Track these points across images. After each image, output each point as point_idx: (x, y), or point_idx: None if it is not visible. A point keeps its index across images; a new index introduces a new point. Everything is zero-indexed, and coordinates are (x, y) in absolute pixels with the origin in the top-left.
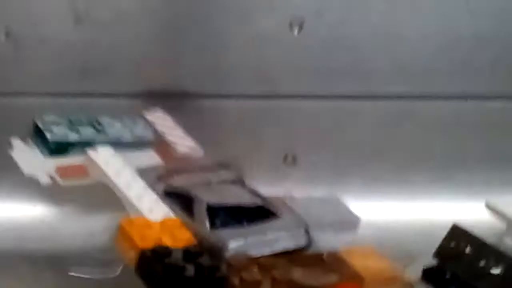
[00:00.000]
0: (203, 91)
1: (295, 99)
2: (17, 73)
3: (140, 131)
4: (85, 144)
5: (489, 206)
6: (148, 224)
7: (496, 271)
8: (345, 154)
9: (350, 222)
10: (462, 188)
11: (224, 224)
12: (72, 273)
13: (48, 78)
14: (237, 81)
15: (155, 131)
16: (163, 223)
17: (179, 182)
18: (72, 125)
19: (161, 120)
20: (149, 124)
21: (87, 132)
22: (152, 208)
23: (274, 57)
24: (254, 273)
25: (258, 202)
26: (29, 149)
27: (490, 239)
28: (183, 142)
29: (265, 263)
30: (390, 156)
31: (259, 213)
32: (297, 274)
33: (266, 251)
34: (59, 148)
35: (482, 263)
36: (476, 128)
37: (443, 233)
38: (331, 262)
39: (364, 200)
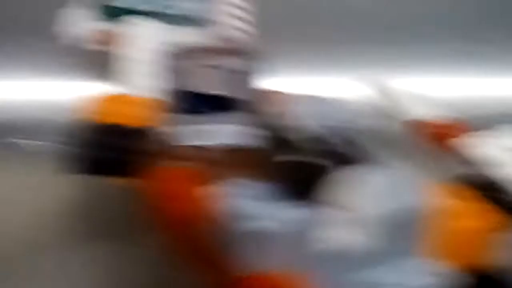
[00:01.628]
0: None
1: None
2: None
3: (207, 7)
4: (142, 13)
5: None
6: (118, 99)
7: (292, 158)
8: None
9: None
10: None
11: (187, 111)
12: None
13: None
14: None
15: (219, 10)
16: (135, 101)
17: (189, 63)
18: None
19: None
20: (224, 2)
21: (146, 0)
22: (143, 85)
23: None
24: (171, 162)
25: (229, 93)
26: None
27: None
28: (235, 24)
29: (190, 154)
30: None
31: (231, 104)
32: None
33: (204, 142)
34: (113, 13)
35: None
36: None
37: None
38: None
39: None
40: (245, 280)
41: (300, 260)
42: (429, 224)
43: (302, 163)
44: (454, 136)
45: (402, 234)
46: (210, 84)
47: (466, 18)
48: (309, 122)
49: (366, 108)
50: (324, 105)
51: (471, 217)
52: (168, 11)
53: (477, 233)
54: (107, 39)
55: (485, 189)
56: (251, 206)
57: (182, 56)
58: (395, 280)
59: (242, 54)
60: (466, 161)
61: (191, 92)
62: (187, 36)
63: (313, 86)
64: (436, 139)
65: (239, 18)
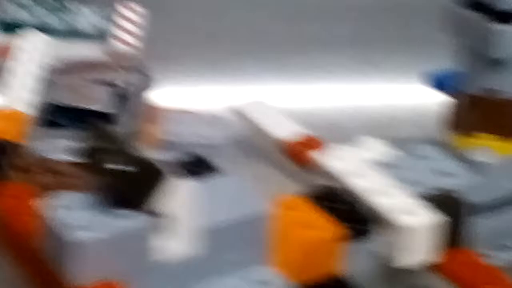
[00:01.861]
0: None
1: None
2: None
3: (102, 22)
4: (36, 26)
5: (233, 110)
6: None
7: (117, 167)
8: None
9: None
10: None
11: (60, 125)
12: None
13: None
14: None
15: (113, 25)
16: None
17: (69, 78)
18: (32, 5)
19: (129, 14)
20: (117, 16)
21: (41, 13)
22: (19, 98)
23: None
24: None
25: (107, 108)
26: None
27: None
28: (126, 38)
29: (42, 168)
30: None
31: (105, 120)
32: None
33: (55, 156)
34: (5, 26)
35: (105, 159)
36: None
37: None
38: None
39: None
40: None
41: (131, 271)
42: (273, 235)
43: (139, 173)
44: (312, 150)
45: (240, 244)
46: (86, 99)
47: (357, 31)
48: (168, 135)
49: (232, 121)
50: (185, 119)
51: (317, 228)
52: (61, 26)
53: (323, 244)
54: (1, 52)
55: (337, 201)
56: (79, 217)
57: (64, 71)
58: None
59: (127, 70)
60: (322, 173)
61: (64, 107)
62: (77, 50)
63: (194, 97)
64: (295, 153)
65: (131, 33)
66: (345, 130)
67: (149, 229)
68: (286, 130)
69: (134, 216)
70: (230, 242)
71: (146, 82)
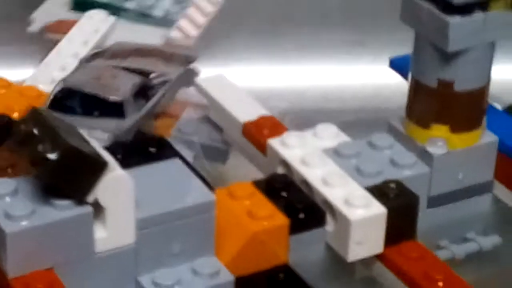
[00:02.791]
0: None
1: None
2: None
3: (176, 8)
4: (112, 7)
5: (197, 86)
6: (16, 89)
7: (52, 156)
8: None
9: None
10: None
11: (72, 110)
12: None
13: None
14: None
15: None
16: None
17: (103, 63)
18: None
19: (203, 3)
20: (191, 5)
21: None
22: (47, 78)
23: None
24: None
25: (120, 98)
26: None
27: None
28: (187, 28)
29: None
30: None
31: (116, 110)
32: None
33: None
34: (81, 4)
35: (41, 147)
36: None
37: None
38: None
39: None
40: (16, 281)
41: (70, 261)
42: (219, 225)
43: (75, 163)
44: (271, 135)
45: (184, 235)
46: (102, 87)
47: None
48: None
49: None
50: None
51: (265, 217)
52: (134, 8)
53: (270, 234)
54: (65, 28)
55: (287, 190)
56: (16, 206)
57: (102, 56)
58: (171, 282)
59: (173, 61)
60: (276, 160)
61: (79, 92)
62: (138, 34)
63: None
64: (254, 137)
65: (196, 24)
66: (329, 111)
67: (88, 219)
68: (244, 109)
69: (72, 205)
70: (173, 232)
71: (189, 76)
